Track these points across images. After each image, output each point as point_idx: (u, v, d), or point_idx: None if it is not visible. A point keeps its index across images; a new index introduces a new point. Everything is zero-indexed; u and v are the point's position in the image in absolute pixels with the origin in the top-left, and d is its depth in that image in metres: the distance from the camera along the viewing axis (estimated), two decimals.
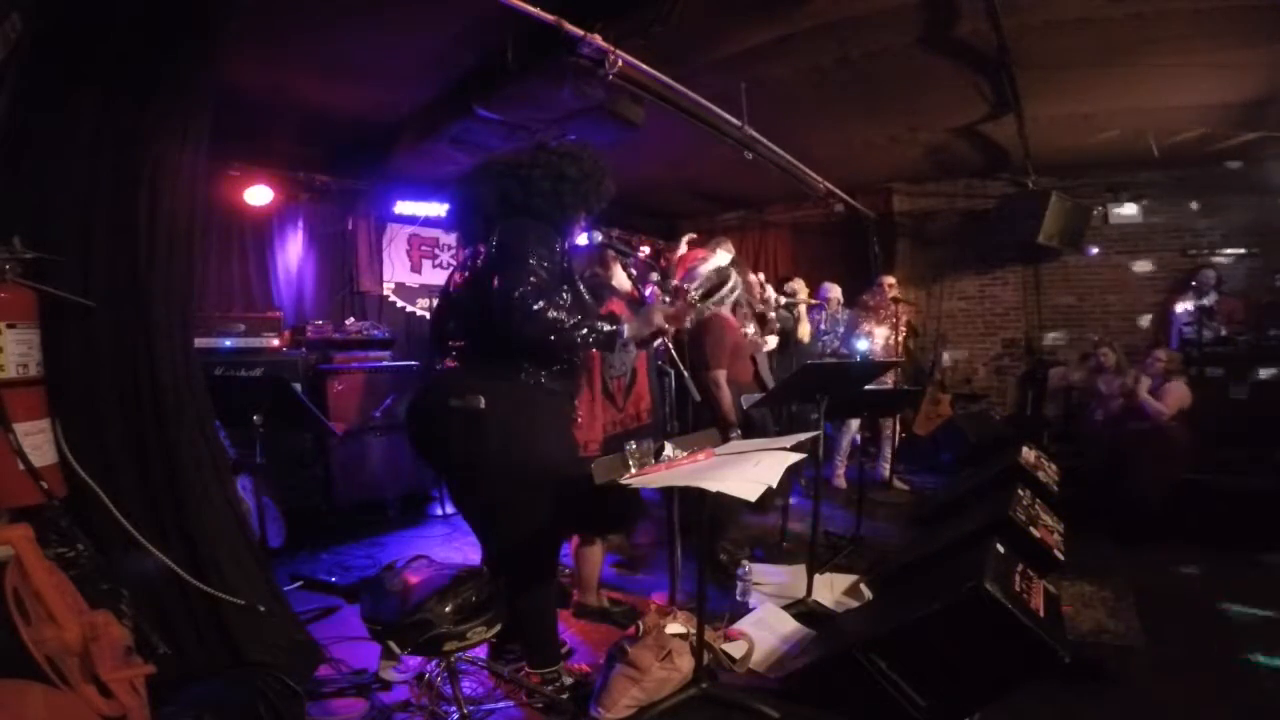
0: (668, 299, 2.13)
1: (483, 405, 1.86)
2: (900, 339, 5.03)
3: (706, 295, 3.21)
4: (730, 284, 3.27)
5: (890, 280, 5.20)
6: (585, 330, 1.84)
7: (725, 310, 3.26)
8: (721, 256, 3.48)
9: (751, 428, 3.05)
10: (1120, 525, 3.59)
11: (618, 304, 2.55)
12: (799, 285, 5.18)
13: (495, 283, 1.81)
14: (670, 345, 2.28)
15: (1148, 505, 3.78)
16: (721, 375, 3.08)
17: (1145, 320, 6.01)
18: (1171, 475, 3.87)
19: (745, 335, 3.42)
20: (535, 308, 1.75)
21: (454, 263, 6.23)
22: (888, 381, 4.68)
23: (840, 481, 4.91)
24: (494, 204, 2.01)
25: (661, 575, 2.89)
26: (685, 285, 2.27)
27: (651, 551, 3.46)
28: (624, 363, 2.56)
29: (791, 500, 3.80)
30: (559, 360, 1.98)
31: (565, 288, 1.91)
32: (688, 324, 2.43)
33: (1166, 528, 3.52)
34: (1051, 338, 6.34)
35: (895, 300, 4.93)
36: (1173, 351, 4.41)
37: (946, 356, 6.46)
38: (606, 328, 1.90)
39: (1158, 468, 3.92)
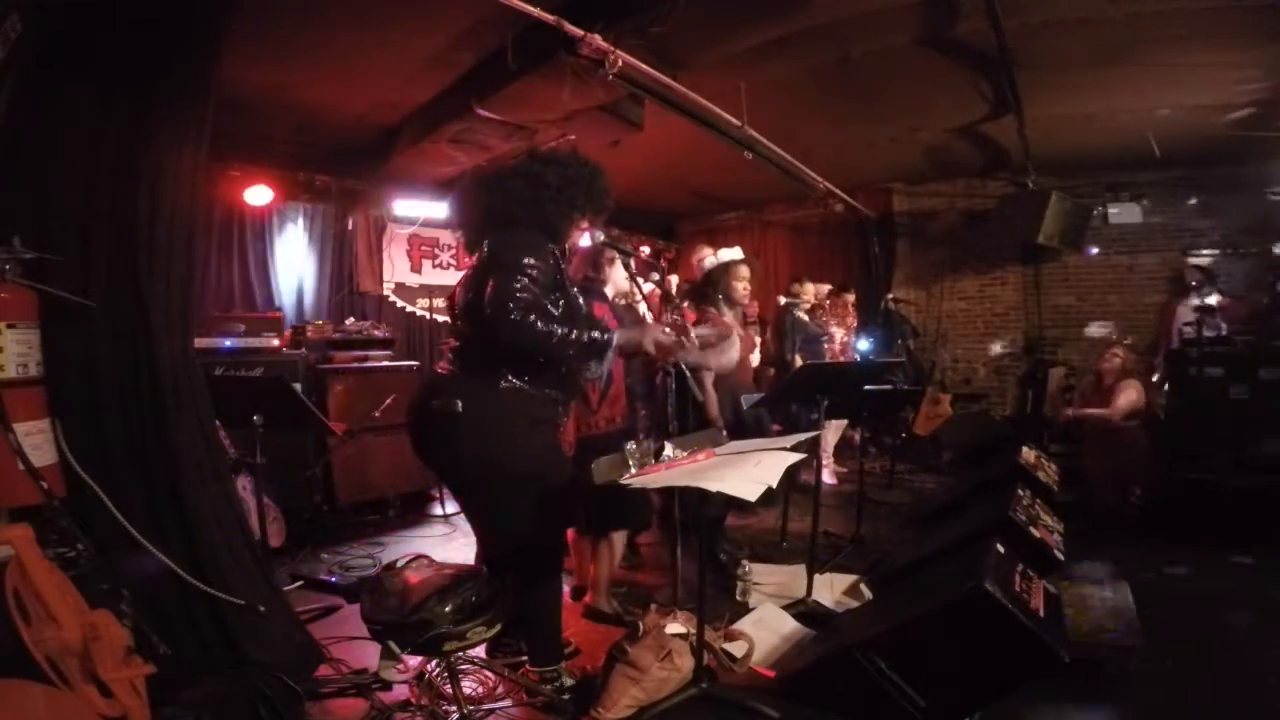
0: (669, 330, 2.12)
1: (459, 408, 1.88)
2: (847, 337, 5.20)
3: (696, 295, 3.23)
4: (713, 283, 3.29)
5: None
6: (575, 339, 1.85)
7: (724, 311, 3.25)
8: (724, 254, 3.45)
9: (748, 428, 3.04)
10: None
11: (602, 308, 2.54)
12: (807, 287, 5.18)
13: (488, 290, 1.83)
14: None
15: (1106, 504, 3.86)
16: (709, 376, 3.06)
17: (1095, 328, 6.11)
18: (1127, 476, 3.94)
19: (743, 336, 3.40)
20: (524, 320, 1.76)
21: (454, 263, 6.22)
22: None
23: (830, 478, 4.89)
24: (481, 217, 2.06)
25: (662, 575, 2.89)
26: (685, 322, 2.24)
27: (652, 551, 3.46)
28: (599, 367, 2.56)
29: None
30: (547, 367, 1.99)
31: (557, 295, 1.94)
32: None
33: (1167, 527, 3.51)
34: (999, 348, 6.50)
35: (897, 301, 4.94)
36: (1128, 351, 4.46)
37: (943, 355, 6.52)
38: (596, 337, 1.91)
39: (1113, 468, 4.00)
